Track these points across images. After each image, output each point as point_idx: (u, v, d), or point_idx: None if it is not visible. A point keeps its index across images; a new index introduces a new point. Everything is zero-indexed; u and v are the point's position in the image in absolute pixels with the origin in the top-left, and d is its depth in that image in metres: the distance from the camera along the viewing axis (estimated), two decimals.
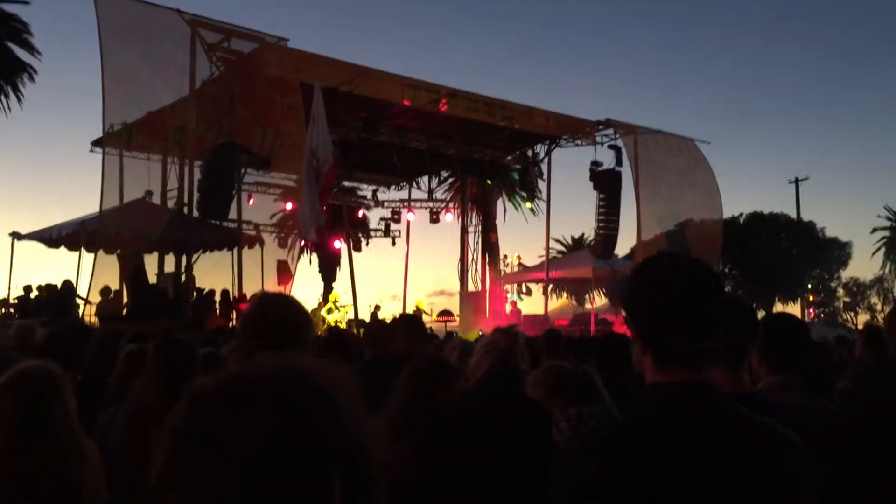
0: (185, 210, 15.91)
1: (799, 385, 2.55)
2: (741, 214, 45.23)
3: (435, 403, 2.95)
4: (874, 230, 48.86)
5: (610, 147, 22.44)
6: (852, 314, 49.26)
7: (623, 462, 1.53)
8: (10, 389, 2.01)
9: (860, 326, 30.82)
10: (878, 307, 47.19)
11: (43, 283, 15.82)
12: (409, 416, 2.85)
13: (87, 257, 15.97)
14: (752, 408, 2.07)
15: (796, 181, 41.83)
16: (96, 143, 18.45)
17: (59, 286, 15.56)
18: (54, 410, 2.02)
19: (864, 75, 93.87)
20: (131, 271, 16.32)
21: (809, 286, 45.00)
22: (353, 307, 22.55)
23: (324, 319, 20.86)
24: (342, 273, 26.56)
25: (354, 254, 24.51)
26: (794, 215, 43.43)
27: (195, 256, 16.25)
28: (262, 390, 0.91)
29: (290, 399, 0.90)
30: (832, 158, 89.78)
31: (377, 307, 23.77)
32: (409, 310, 24.36)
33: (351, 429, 0.94)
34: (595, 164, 22.42)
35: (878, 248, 48.46)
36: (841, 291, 49.82)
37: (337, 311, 22.98)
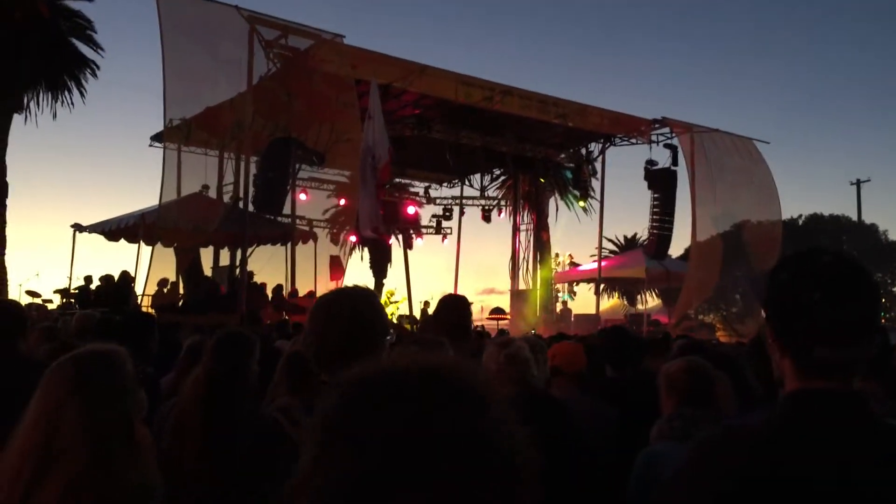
0: (241, 204, 16.09)
1: (881, 393, 2.41)
2: (800, 216, 44.26)
3: None
4: None
5: (665, 146, 22.09)
6: None
7: (746, 474, 1.38)
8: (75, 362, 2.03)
9: None
10: None
11: (102, 274, 16.16)
12: None
13: (146, 250, 16.26)
14: None
15: (858, 183, 40.77)
16: (156, 137, 18.85)
17: (116, 277, 15.90)
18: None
19: None
20: (188, 264, 16.59)
21: None
22: (407, 302, 22.64)
23: None
24: (394, 269, 26.72)
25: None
26: (855, 217, 42.31)
27: (249, 251, 16.42)
28: (411, 387, 0.86)
29: (439, 398, 0.85)
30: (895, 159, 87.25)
31: (426, 303, 23.87)
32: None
33: (502, 440, 0.86)
34: (650, 162, 22.11)
35: None
36: None
37: (391, 304, 23.04)
